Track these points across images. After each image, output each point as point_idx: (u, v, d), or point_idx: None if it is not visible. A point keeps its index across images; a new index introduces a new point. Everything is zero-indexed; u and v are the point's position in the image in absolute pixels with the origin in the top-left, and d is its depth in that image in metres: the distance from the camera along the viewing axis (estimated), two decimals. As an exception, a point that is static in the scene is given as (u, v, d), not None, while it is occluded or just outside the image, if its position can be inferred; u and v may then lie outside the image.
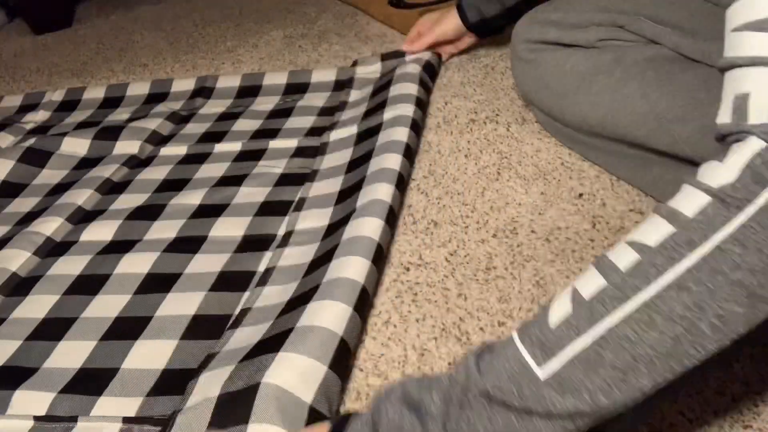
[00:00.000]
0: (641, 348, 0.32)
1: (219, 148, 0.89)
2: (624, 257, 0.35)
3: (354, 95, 0.96)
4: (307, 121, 0.92)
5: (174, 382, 0.55)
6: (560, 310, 0.35)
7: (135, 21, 1.52)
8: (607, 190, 0.72)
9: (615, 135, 0.70)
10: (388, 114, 0.84)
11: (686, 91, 0.64)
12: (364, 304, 0.57)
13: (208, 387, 0.51)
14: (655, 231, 0.34)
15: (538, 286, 0.61)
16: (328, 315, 0.54)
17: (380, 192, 0.69)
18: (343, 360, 0.53)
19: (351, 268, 0.59)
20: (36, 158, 0.90)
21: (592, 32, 0.74)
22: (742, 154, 0.34)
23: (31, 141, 0.92)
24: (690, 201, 0.34)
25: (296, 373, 0.50)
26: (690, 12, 0.68)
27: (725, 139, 0.36)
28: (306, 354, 0.51)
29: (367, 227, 0.64)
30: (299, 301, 0.58)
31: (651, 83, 0.66)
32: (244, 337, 0.57)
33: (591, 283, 0.35)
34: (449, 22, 0.98)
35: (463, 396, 0.35)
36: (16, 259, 0.70)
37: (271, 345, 0.53)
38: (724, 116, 0.37)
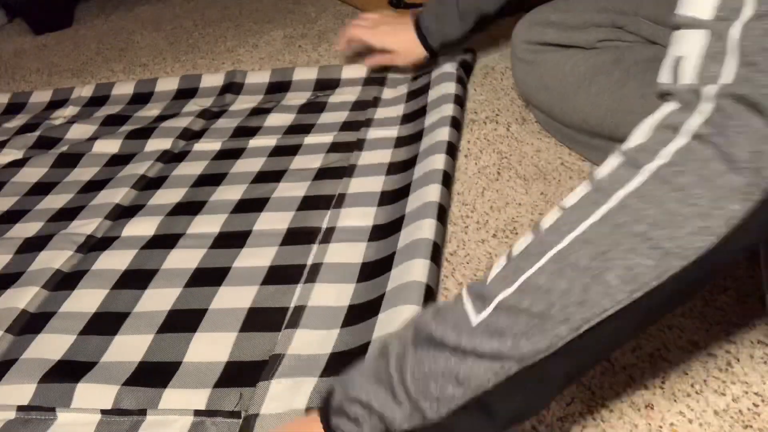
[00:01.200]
0: (554, 296, 0.35)
1: (253, 143, 0.89)
2: (549, 218, 0.38)
3: (387, 93, 0.96)
4: (341, 116, 0.92)
5: (240, 373, 0.55)
6: (497, 266, 0.39)
7: (135, 21, 1.52)
8: (607, 190, 0.72)
9: (615, 135, 0.70)
10: (429, 118, 0.84)
11: None
12: (430, 299, 0.58)
13: (290, 396, 0.52)
14: (576, 193, 0.37)
15: (538, 286, 0.61)
16: (400, 321, 0.55)
17: (430, 193, 0.70)
18: None
19: (414, 270, 0.60)
20: (68, 161, 0.91)
21: (592, 33, 0.74)
22: (657, 115, 0.36)
23: (64, 148, 0.94)
24: (607, 163, 0.37)
25: None
26: None
27: (662, 99, 0.38)
28: None
29: (423, 229, 0.65)
30: (365, 311, 0.59)
31: (650, 84, 0.66)
32: (311, 342, 0.57)
33: (521, 242, 0.38)
34: (405, 41, 0.93)
35: (416, 341, 0.39)
36: (58, 258, 0.71)
37: (351, 362, 0.53)
38: (662, 76, 0.38)
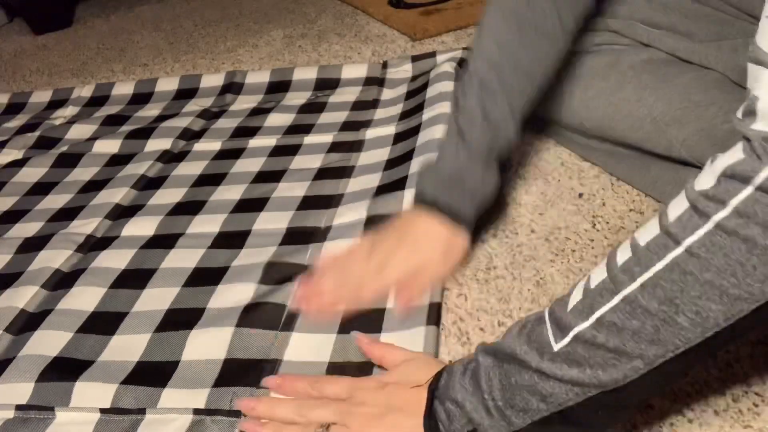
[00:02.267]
0: (626, 334, 0.37)
1: (253, 143, 0.89)
2: (623, 254, 0.39)
3: (387, 94, 0.96)
4: (341, 116, 0.92)
5: (239, 371, 0.55)
6: (576, 296, 0.40)
7: (135, 21, 1.52)
8: (607, 190, 0.72)
9: (612, 138, 0.70)
10: (427, 114, 0.84)
11: (682, 94, 0.64)
12: (436, 315, 0.57)
13: None
14: (647, 232, 0.38)
15: (538, 286, 0.61)
16: (407, 344, 0.54)
17: None
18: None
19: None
20: (68, 161, 0.91)
21: (587, 37, 0.74)
22: (726, 160, 0.35)
23: (64, 148, 0.94)
24: (675, 205, 0.37)
25: None
26: (684, 14, 0.68)
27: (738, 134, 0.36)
28: None
29: None
30: (365, 324, 0.58)
31: (647, 86, 0.66)
32: (308, 348, 0.56)
33: (598, 275, 0.40)
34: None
35: (502, 356, 0.42)
36: (58, 258, 0.71)
37: (352, 374, 0.53)
38: (739, 112, 0.36)
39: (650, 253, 0.37)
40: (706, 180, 0.36)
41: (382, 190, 0.74)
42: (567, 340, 0.39)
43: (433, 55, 1.01)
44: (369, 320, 0.58)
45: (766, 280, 0.34)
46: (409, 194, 0.70)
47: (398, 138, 0.83)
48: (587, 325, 0.38)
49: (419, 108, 0.87)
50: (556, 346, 0.39)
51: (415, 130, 0.82)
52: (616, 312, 0.37)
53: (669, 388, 0.49)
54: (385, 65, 1.03)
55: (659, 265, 0.36)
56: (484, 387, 0.42)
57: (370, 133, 0.86)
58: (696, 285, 0.35)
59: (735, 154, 0.35)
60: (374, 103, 0.94)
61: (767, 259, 0.33)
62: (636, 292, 0.37)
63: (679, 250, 0.35)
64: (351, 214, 0.71)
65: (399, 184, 0.73)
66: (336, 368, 0.54)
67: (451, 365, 0.46)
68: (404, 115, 0.88)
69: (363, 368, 0.53)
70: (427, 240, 0.60)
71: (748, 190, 0.33)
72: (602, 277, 0.39)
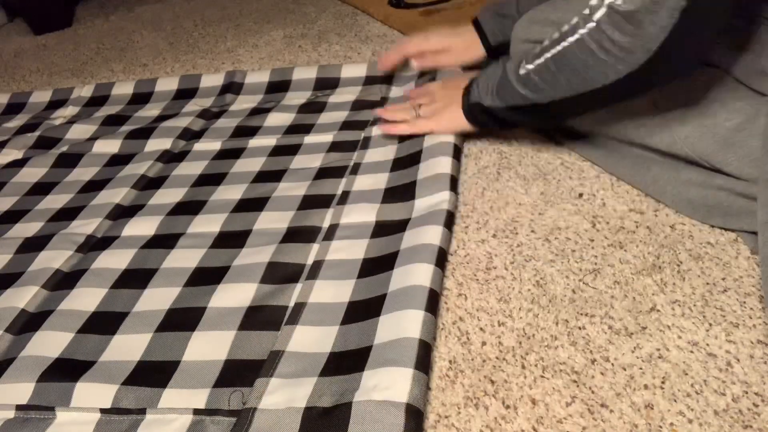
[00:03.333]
0: (545, 79, 0.63)
1: (253, 142, 0.89)
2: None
3: (395, 91, 0.96)
4: (341, 116, 0.92)
5: (240, 372, 0.55)
6: (539, 46, 0.64)
7: (135, 21, 1.52)
8: (607, 190, 0.72)
9: (614, 134, 0.70)
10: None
11: (686, 91, 0.64)
12: (434, 304, 0.58)
13: (289, 394, 0.52)
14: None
15: (538, 286, 0.61)
16: (404, 326, 0.55)
17: (438, 198, 0.70)
18: (426, 357, 0.53)
19: (418, 274, 0.59)
20: (68, 161, 0.91)
21: None
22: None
23: (64, 148, 0.94)
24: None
25: (385, 386, 0.50)
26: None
27: None
28: (391, 365, 0.51)
29: (430, 234, 0.64)
30: (366, 310, 0.58)
31: None
32: (310, 339, 0.57)
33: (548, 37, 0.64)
34: (463, 40, 0.91)
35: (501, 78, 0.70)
36: (58, 258, 0.71)
37: (352, 363, 0.53)
38: None
39: (559, 38, 0.61)
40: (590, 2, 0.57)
41: (390, 193, 0.74)
42: (524, 70, 0.65)
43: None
44: (368, 304, 0.59)
45: (600, 76, 0.58)
46: (419, 203, 0.71)
47: (404, 137, 0.83)
48: (532, 67, 0.64)
49: None
50: (520, 71, 0.65)
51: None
52: (542, 66, 0.63)
53: (577, 114, 0.71)
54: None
55: (558, 48, 0.61)
56: (490, 78, 0.71)
57: (376, 131, 0.86)
58: (568, 66, 0.60)
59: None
60: (382, 102, 0.94)
61: (596, 61, 0.58)
62: (549, 59, 0.62)
63: (566, 43, 0.60)
64: (359, 214, 0.71)
65: (408, 191, 0.73)
66: (336, 357, 0.55)
67: (476, 79, 0.74)
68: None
69: (362, 354, 0.54)
70: (462, 35, 0.92)
71: (599, 14, 0.56)
72: (550, 38, 0.62)
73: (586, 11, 0.58)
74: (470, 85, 0.75)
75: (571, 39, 0.59)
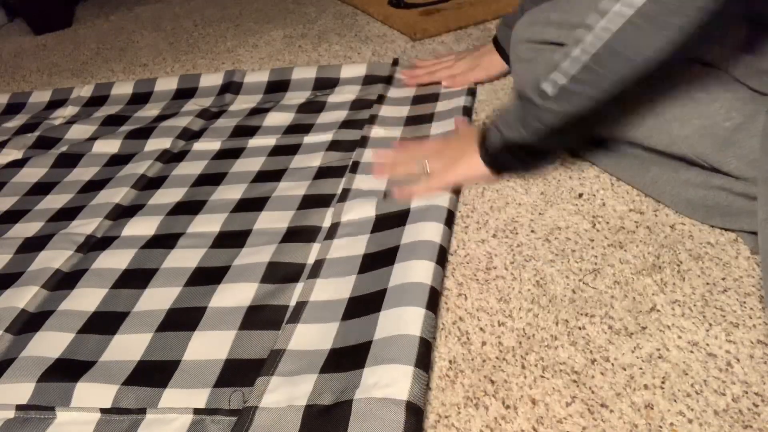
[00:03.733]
0: (584, 81, 0.61)
1: (253, 142, 0.89)
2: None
3: (394, 92, 0.97)
4: (340, 116, 0.92)
5: (239, 372, 0.55)
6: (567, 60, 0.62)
7: (135, 21, 1.52)
8: (607, 190, 0.72)
9: (612, 134, 0.70)
10: (435, 128, 0.85)
11: (685, 91, 0.64)
12: (435, 302, 0.58)
13: (290, 392, 0.52)
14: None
15: (538, 286, 0.61)
16: (405, 323, 0.55)
17: (437, 197, 0.70)
18: (426, 355, 0.53)
19: (418, 271, 0.60)
20: (68, 161, 0.92)
21: None
22: None
23: (64, 148, 0.94)
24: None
25: (386, 383, 0.50)
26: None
27: None
28: (392, 362, 0.51)
29: (430, 231, 0.65)
30: (366, 306, 0.58)
31: (650, 83, 0.66)
32: (311, 337, 0.57)
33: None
34: (488, 59, 0.94)
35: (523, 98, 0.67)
36: (58, 258, 0.71)
37: (352, 360, 0.53)
38: None
39: (589, 29, 0.58)
40: None
41: (390, 190, 0.74)
42: (556, 90, 0.62)
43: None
44: (368, 299, 0.59)
45: (646, 48, 0.56)
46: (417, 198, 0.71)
47: (406, 139, 0.84)
48: (566, 80, 0.61)
49: (429, 118, 0.88)
50: (550, 92, 0.62)
51: (424, 138, 0.83)
52: (579, 70, 0.60)
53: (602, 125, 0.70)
54: (395, 62, 1.03)
55: (591, 37, 0.58)
56: (513, 122, 0.68)
57: (375, 131, 0.86)
58: (609, 51, 0.57)
59: None
60: (380, 99, 0.94)
61: (641, 33, 0.55)
62: (585, 59, 0.59)
63: (600, 25, 0.57)
64: (359, 211, 0.71)
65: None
66: (336, 354, 0.55)
67: (493, 122, 0.71)
68: (411, 120, 0.89)
69: (362, 349, 0.54)
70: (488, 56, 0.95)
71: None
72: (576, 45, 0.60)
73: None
74: (487, 130, 0.71)
75: (614, 25, 0.56)
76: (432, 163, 0.74)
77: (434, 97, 0.92)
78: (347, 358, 0.54)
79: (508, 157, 0.71)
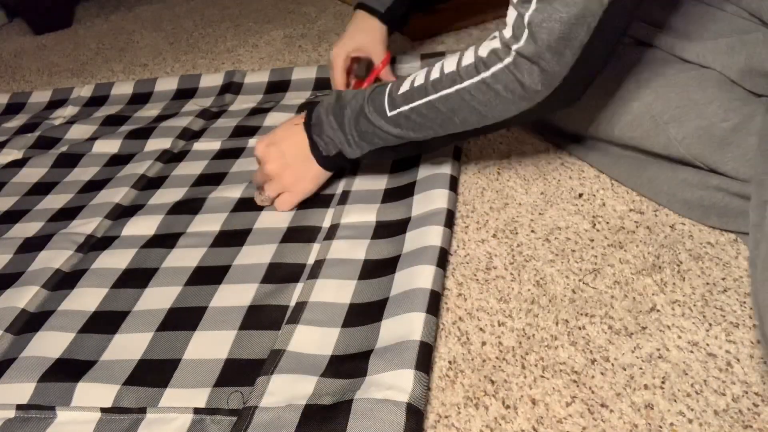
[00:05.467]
0: (428, 119, 0.64)
1: (253, 142, 0.89)
2: (434, 73, 0.64)
3: None
4: None
5: (240, 371, 0.55)
6: (406, 84, 0.65)
7: (135, 21, 1.52)
8: (607, 190, 0.72)
9: (610, 137, 0.70)
10: None
11: (681, 92, 0.64)
12: (435, 305, 0.58)
13: (290, 392, 0.52)
14: (451, 64, 0.63)
15: (538, 286, 0.61)
16: (406, 329, 0.54)
17: (438, 198, 0.70)
18: (427, 357, 0.53)
19: (420, 277, 0.59)
20: (68, 161, 0.92)
21: None
22: (500, 35, 0.60)
23: (64, 148, 0.94)
24: (468, 56, 0.62)
25: (387, 385, 0.50)
26: (682, 13, 0.68)
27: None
28: (393, 368, 0.51)
29: (432, 235, 0.64)
30: (367, 314, 0.58)
31: (645, 85, 0.66)
32: (311, 340, 0.57)
33: (421, 77, 0.65)
34: (366, 32, 0.92)
35: (358, 112, 0.68)
36: (58, 258, 0.71)
37: (354, 367, 0.53)
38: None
39: (447, 80, 0.62)
40: (484, 47, 0.60)
41: (390, 193, 0.74)
42: (395, 112, 0.65)
43: (442, 54, 1.02)
44: (370, 308, 0.59)
45: (502, 112, 0.60)
46: (417, 199, 0.71)
47: None
48: (407, 109, 0.64)
49: None
50: (389, 114, 0.65)
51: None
52: (424, 107, 0.63)
53: (453, 144, 0.77)
54: (393, 61, 1.03)
55: (451, 90, 0.61)
56: (346, 128, 0.68)
57: None
58: (466, 106, 0.61)
59: (505, 31, 0.58)
60: None
61: (501, 101, 0.60)
62: (435, 100, 0.62)
63: (462, 85, 0.61)
64: (359, 214, 0.71)
65: (407, 190, 0.73)
66: (338, 360, 0.55)
67: (314, 107, 0.71)
68: None
69: (364, 358, 0.54)
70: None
71: (506, 60, 0.58)
72: (421, 81, 0.64)
73: (484, 53, 0.59)
74: (312, 138, 0.70)
75: (470, 81, 0.60)
76: (268, 189, 0.73)
77: None
78: (348, 366, 0.53)
79: (343, 161, 0.72)
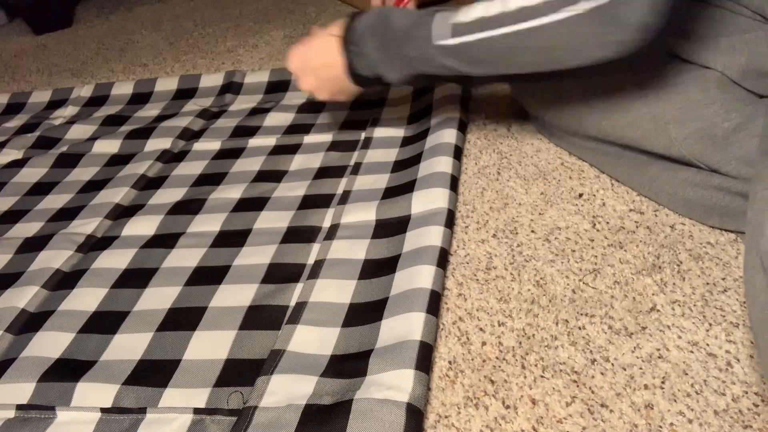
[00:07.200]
0: (488, 55, 0.59)
1: (253, 142, 0.89)
2: (515, 3, 0.57)
3: (393, 92, 0.96)
4: (340, 116, 0.92)
5: (240, 372, 0.55)
6: (475, 13, 0.59)
7: (135, 21, 1.52)
8: (607, 190, 0.72)
9: (611, 138, 0.70)
10: (435, 118, 0.84)
11: (682, 93, 0.64)
12: (435, 305, 0.58)
13: (291, 392, 0.52)
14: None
15: (538, 286, 0.61)
16: (406, 329, 0.54)
17: (438, 198, 0.70)
18: (427, 357, 0.53)
19: (420, 277, 0.59)
20: (68, 161, 0.92)
21: None
22: None
23: (64, 148, 0.94)
24: None
25: (387, 385, 0.50)
26: (684, 13, 0.68)
27: None
28: (393, 368, 0.51)
29: (432, 235, 0.64)
30: (367, 314, 0.58)
31: (646, 85, 0.66)
32: (312, 340, 0.57)
33: (497, 7, 0.57)
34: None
35: (408, 32, 0.63)
36: (58, 258, 0.71)
37: (354, 367, 0.53)
38: None
39: (523, 14, 0.55)
40: None
41: (390, 192, 0.74)
42: (455, 42, 0.59)
43: None
44: (370, 308, 0.59)
45: (581, 56, 0.56)
46: (417, 197, 0.70)
47: (406, 141, 0.84)
48: (471, 40, 0.58)
49: (427, 110, 0.87)
50: (448, 42, 0.60)
51: (423, 134, 0.83)
52: (491, 40, 0.58)
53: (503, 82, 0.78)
54: None
55: (529, 24, 0.55)
56: (391, 51, 0.64)
57: (378, 132, 0.86)
58: (542, 44, 0.56)
59: None
60: (381, 101, 0.94)
61: (585, 41, 0.55)
62: (506, 35, 0.57)
63: (542, 21, 0.55)
64: (359, 213, 0.71)
65: (407, 188, 0.73)
66: (338, 360, 0.55)
67: (352, 20, 0.68)
68: (413, 118, 0.89)
69: (364, 358, 0.54)
70: None
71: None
72: (494, 12, 0.57)
73: None
74: (349, 57, 0.68)
75: (549, 18, 0.54)
76: (305, 84, 0.75)
77: (431, 90, 0.92)
78: (348, 366, 0.54)
79: (378, 82, 0.70)
